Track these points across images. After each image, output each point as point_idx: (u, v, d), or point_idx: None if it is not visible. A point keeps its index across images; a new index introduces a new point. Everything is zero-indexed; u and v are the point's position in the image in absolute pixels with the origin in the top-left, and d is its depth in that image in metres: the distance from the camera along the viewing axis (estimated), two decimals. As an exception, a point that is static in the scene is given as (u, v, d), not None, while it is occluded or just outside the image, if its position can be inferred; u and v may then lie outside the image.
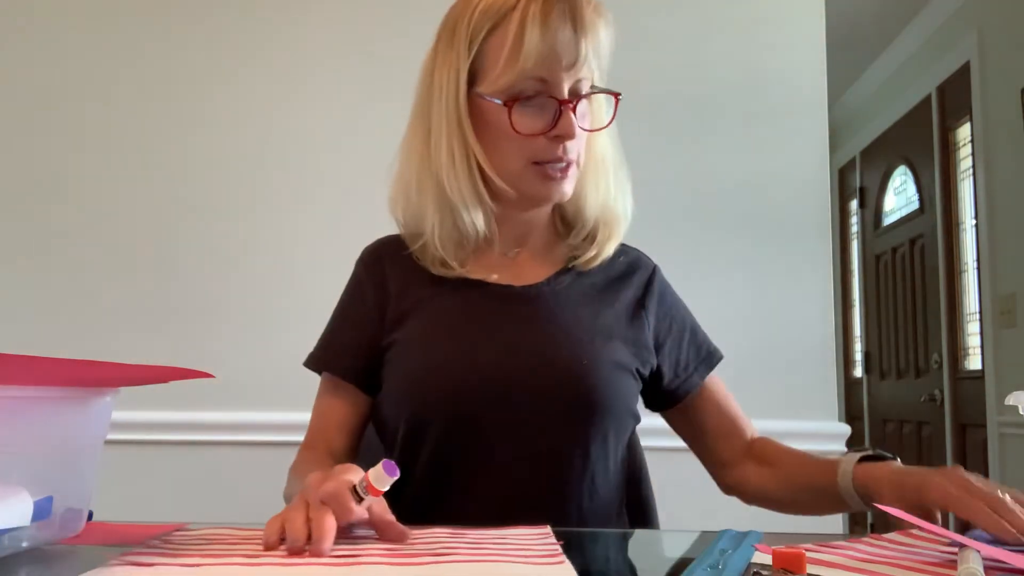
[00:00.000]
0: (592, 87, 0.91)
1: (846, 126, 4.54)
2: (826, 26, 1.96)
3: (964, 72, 3.24)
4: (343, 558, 0.56)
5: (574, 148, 0.90)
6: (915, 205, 3.76)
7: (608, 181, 0.99)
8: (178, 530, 0.69)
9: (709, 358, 1.04)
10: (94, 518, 0.71)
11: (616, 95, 0.93)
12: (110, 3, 1.96)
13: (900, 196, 3.99)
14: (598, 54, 0.90)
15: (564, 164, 0.90)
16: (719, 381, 1.06)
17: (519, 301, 0.96)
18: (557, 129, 0.88)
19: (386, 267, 0.99)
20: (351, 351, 0.98)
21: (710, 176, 1.92)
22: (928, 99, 3.56)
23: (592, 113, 0.95)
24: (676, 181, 1.92)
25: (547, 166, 0.90)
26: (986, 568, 0.55)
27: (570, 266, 1.00)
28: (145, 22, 1.95)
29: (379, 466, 0.62)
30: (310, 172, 1.92)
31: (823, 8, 1.96)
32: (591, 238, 0.99)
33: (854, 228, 4.56)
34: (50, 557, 0.59)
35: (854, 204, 4.50)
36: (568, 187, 0.92)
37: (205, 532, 0.67)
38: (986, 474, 3.01)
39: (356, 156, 1.90)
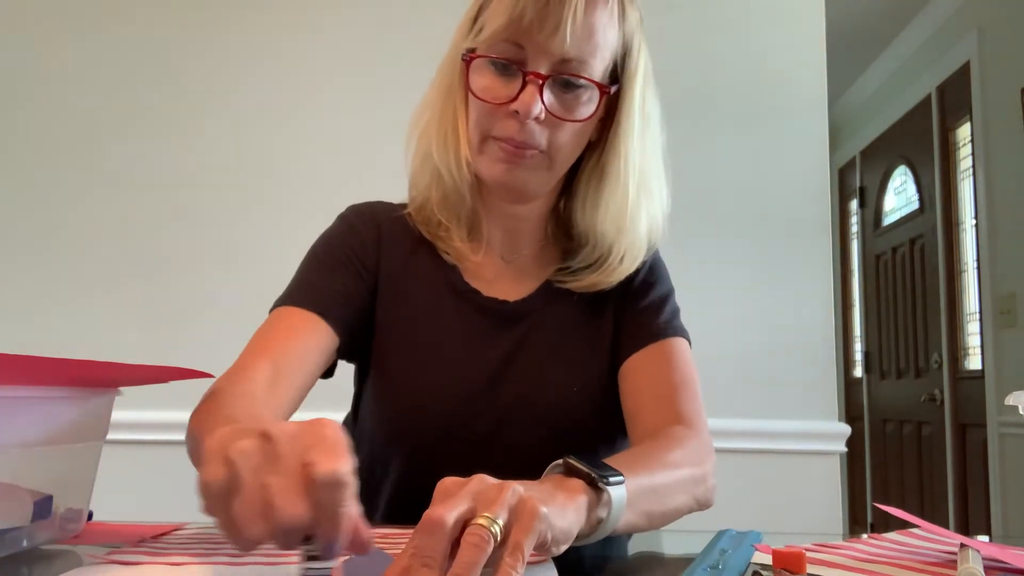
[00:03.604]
0: (581, 77, 0.79)
1: (846, 126, 4.54)
2: (826, 26, 1.96)
3: (964, 72, 3.24)
4: None
5: (538, 133, 0.79)
6: (915, 205, 3.76)
7: (621, 198, 0.87)
8: (176, 530, 0.69)
9: (650, 336, 0.89)
10: (94, 518, 0.71)
11: (603, 88, 0.81)
12: (110, 5, 1.96)
13: (900, 196, 3.98)
14: (590, 36, 0.78)
15: (521, 147, 0.79)
16: (660, 364, 0.88)
17: (510, 318, 0.89)
18: (516, 103, 0.77)
19: (382, 226, 0.93)
20: (342, 299, 0.88)
21: (710, 176, 1.92)
22: (928, 99, 3.56)
23: (581, 108, 0.81)
24: (675, 181, 1.89)
25: (502, 144, 0.80)
26: (986, 568, 0.55)
27: (562, 286, 0.91)
28: (143, 24, 1.96)
29: None
30: (309, 174, 1.92)
31: (823, 8, 1.96)
32: (598, 264, 0.89)
33: (854, 228, 4.56)
34: (50, 557, 0.59)
35: (854, 204, 4.50)
36: (524, 176, 0.82)
37: (198, 532, 0.67)
38: (986, 474, 3.01)
39: (355, 157, 1.90)
